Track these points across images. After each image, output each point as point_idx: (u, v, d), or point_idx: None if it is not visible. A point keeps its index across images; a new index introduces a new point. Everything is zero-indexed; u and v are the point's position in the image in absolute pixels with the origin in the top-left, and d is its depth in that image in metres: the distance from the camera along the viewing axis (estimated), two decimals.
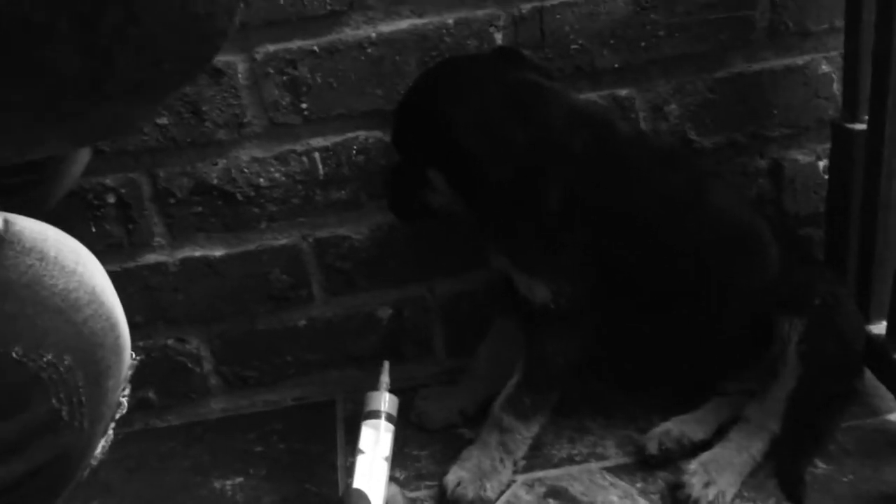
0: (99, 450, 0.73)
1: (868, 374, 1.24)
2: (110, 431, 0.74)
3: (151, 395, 1.38)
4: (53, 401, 0.64)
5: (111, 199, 1.26)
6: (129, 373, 0.73)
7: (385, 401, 1.02)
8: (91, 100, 0.46)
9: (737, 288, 1.17)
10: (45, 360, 0.64)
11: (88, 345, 0.67)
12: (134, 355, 0.74)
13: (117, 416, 0.73)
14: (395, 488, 0.98)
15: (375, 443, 0.99)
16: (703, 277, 1.15)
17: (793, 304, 1.15)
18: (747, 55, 1.27)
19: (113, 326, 0.69)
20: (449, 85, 1.10)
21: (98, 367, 0.68)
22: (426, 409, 1.30)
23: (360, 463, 0.97)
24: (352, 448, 1.01)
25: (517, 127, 1.07)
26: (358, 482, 0.95)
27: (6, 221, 0.67)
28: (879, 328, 1.22)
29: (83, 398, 0.66)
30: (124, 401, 0.74)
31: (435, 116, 1.08)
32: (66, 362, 0.65)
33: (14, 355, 0.62)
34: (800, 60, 1.28)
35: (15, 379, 0.63)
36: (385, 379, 1.06)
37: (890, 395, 1.20)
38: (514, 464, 1.17)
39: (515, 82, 1.10)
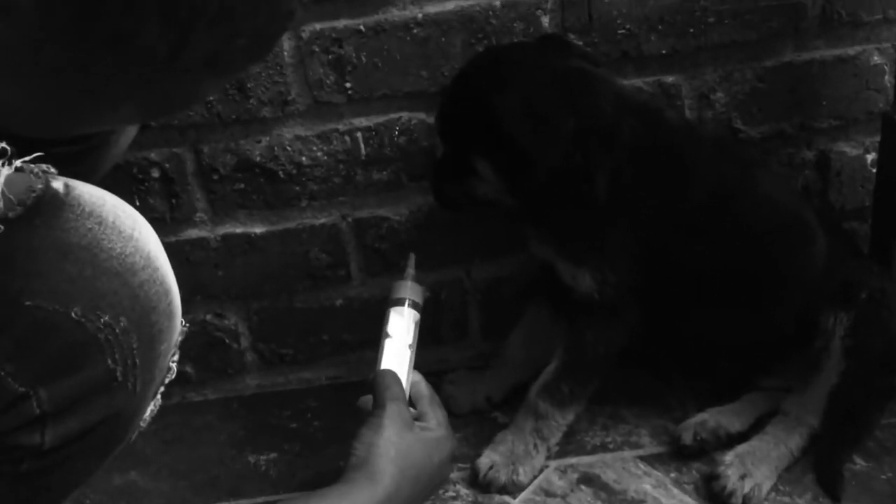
0: (148, 413, 0.74)
1: None
2: (159, 396, 0.75)
3: (189, 369, 1.39)
4: (109, 361, 0.66)
5: (155, 174, 1.28)
6: (179, 339, 0.75)
7: (410, 289, 1.02)
8: (167, 69, 0.47)
9: (784, 279, 1.15)
10: (102, 321, 0.65)
11: (143, 308, 0.68)
12: (184, 322, 0.75)
13: (167, 380, 0.75)
14: (419, 376, 0.99)
15: (404, 329, 0.98)
16: (751, 268, 1.14)
17: (839, 297, 1.13)
18: (798, 44, 1.25)
19: (167, 292, 0.70)
20: (495, 72, 1.09)
21: (151, 330, 0.69)
22: (454, 393, 1.30)
23: (388, 347, 0.98)
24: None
25: (564, 114, 1.06)
26: (386, 365, 0.95)
27: (67, 185, 0.68)
28: None
29: (137, 360, 0.67)
30: (174, 366, 0.75)
31: (481, 104, 1.07)
32: (121, 324, 0.66)
33: (73, 315, 0.64)
34: (851, 51, 1.25)
35: (73, 339, 0.64)
36: (411, 270, 1.06)
37: None
38: (548, 450, 1.17)
39: (562, 69, 1.09)
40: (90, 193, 0.69)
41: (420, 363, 1.40)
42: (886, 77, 1.26)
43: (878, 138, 1.25)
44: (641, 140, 1.09)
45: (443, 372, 1.36)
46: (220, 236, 1.32)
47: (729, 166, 1.14)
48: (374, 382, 0.92)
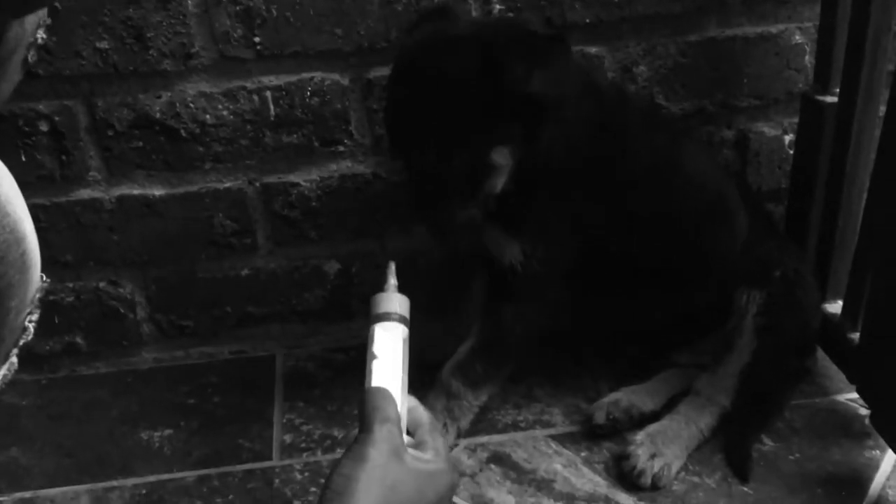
0: None
1: (819, 353, 1.23)
2: (14, 358, 0.68)
3: (79, 340, 1.32)
4: None
5: (44, 128, 1.18)
6: (38, 295, 0.67)
7: (395, 301, 0.88)
8: None
9: (705, 255, 1.13)
10: None
11: None
12: (44, 277, 0.68)
13: (21, 342, 0.67)
14: (415, 401, 0.85)
15: (392, 348, 0.85)
16: (673, 244, 1.11)
17: (753, 275, 1.12)
18: (721, 20, 1.23)
19: (18, 241, 0.63)
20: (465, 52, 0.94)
21: None
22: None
23: (377, 368, 0.83)
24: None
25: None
26: (376, 384, 0.82)
27: None
28: (835, 307, 1.21)
29: None
30: (31, 326, 0.68)
31: (481, 83, 0.92)
32: None
33: None
34: (773, 29, 1.25)
35: None
36: (392, 280, 0.91)
37: (840, 376, 1.19)
38: (458, 430, 1.14)
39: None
40: None
41: (331, 340, 1.36)
42: (807, 57, 1.26)
43: (796, 119, 1.25)
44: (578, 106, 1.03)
45: (352, 348, 1.31)
46: (116, 198, 1.24)
47: (659, 137, 1.10)
48: (362, 402, 0.77)
